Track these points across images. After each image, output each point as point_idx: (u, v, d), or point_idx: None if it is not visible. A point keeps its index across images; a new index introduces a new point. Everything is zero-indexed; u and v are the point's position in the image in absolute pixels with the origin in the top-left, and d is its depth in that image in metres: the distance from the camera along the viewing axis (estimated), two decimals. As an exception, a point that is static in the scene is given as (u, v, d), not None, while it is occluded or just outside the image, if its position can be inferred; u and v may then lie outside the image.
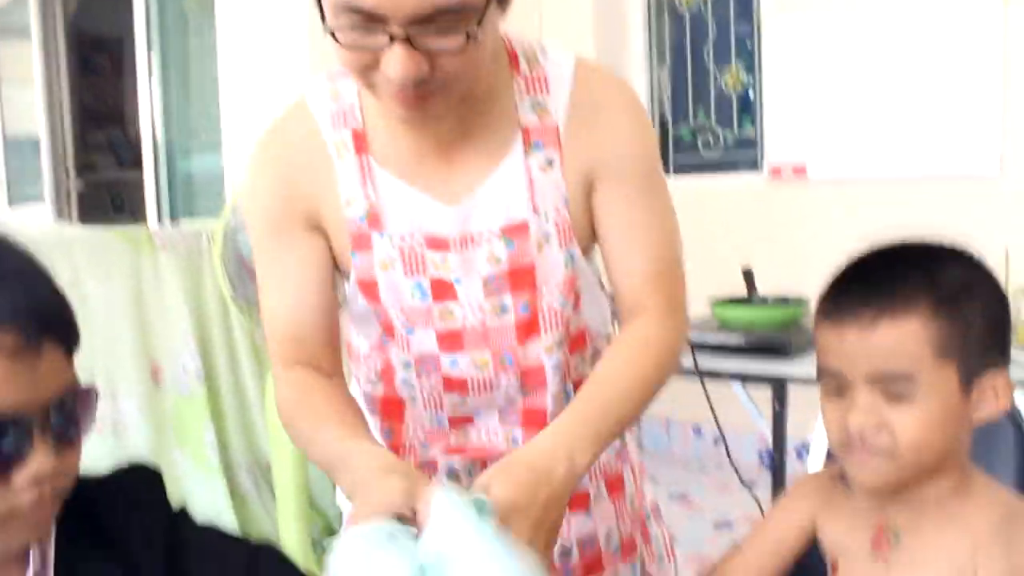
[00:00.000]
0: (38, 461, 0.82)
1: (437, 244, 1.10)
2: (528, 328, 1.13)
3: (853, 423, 0.92)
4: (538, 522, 0.90)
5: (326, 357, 1.16)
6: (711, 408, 2.33)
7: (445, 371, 1.15)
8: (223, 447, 2.82)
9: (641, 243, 1.14)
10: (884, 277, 0.94)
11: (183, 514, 1.01)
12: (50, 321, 0.84)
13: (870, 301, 0.92)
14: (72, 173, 5.81)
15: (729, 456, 2.33)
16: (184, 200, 4.93)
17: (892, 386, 0.91)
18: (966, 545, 0.94)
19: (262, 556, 1.01)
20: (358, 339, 1.24)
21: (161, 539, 0.98)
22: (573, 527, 1.23)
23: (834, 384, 0.96)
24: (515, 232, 1.10)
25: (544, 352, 1.15)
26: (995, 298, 0.95)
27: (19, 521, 0.84)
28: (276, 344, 1.17)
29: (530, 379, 1.16)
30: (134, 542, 0.96)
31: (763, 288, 2.72)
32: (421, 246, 1.10)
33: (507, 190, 1.11)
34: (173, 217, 4.95)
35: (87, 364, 0.94)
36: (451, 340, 1.14)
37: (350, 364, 1.27)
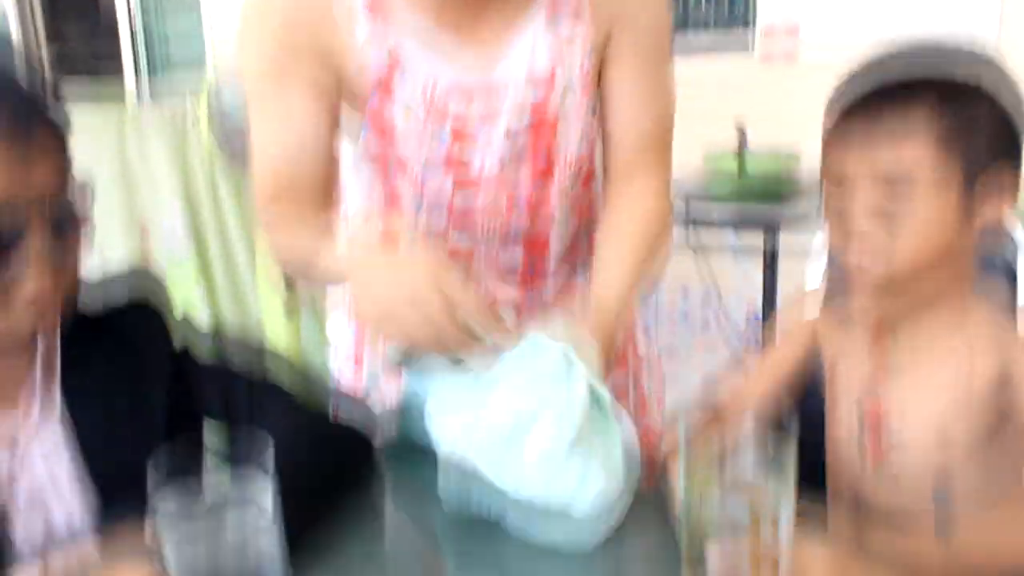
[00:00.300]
0: (35, 246, 0.83)
1: (461, 91, 1.10)
2: (544, 174, 1.15)
3: (856, 221, 0.93)
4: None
5: (318, 206, 1.14)
6: (702, 259, 2.35)
7: (456, 210, 1.16)
8: (213, 310, 2.83)
9: (646, 106, 1.17)
10: (893, 72, 0.93)
11: (187, 350, 1.02)
12: (39, 108, 0.83)
13: (878, 95, 0.91)
14: (43, 39, 5.63)
15: (721, 309, 2.35)
16: (160, 60, 4.80)
17: (895, 183, 0.91)
18: (963, 341, 0.96)
19: (263, 387, 1.03)
20: (354, 195, 1.23)
21: (168, 371, 0.99)
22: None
23: (837, 183, 0.96)
24: (541, 83, 1.11)
25: (557, 193, 1.17)
26: (1008, 96, 0.93)
27: (20, 307, 0.84)
28: (265, 188, 1.14)
29: (539, 215, 1.19)
30: (142, 375, 0.98)
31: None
32: (445, 92, 1.09)
33: (535, 40, 1.10)
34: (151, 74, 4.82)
35: None
36: (466, 184, 1.14)
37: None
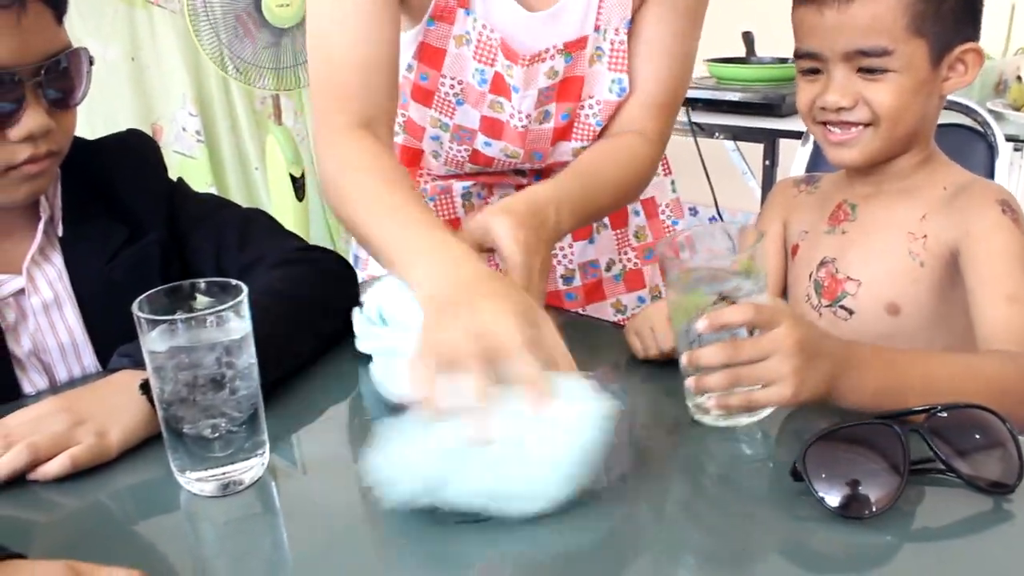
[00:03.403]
0: (31, 117, 0.87)
1: (508, 54, 1.11)
2: (563, 133, 1.19)
3: (830, 99, 0.97)
4: (545, 262, 0.93)
5: (387, 117, 1.06)
6: (704, 167, 2.37)
7: (478, 147, 1.21)
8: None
9: (663, 71, 1.16)
10: None
11: (180, 182, 1.07)
12: None
13: None
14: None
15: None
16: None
17: (867, 62, 0.95)
18: (917, 212, 1.01)
19: (252, 218, 1.08)
20: None
21: (162, 202, 1.04)
22: (576, 254, 1.34)
23: (810, 66, 1.00)
24: (575, 46, 1.13)
25: (572, 153, 1.21)
26: None
27: (17, 175, 0.90)
28: (328, 102, 1.04)
29: (553, 170, 1.23)
30: (138, 203, 1.03)
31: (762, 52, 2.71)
32: (497, 44, 1.11)
33: (581, 5, 1.11)
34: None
35: (86, 127, 0.97)
36: (493, 127, 1.18)
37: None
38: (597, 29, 1.13)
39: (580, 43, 1.13)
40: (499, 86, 1.14)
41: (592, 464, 0.69)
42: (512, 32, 1.11)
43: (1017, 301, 0.90)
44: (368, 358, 0.92)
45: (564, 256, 1.35)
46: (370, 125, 1.02)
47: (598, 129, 1.19)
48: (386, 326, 0.91)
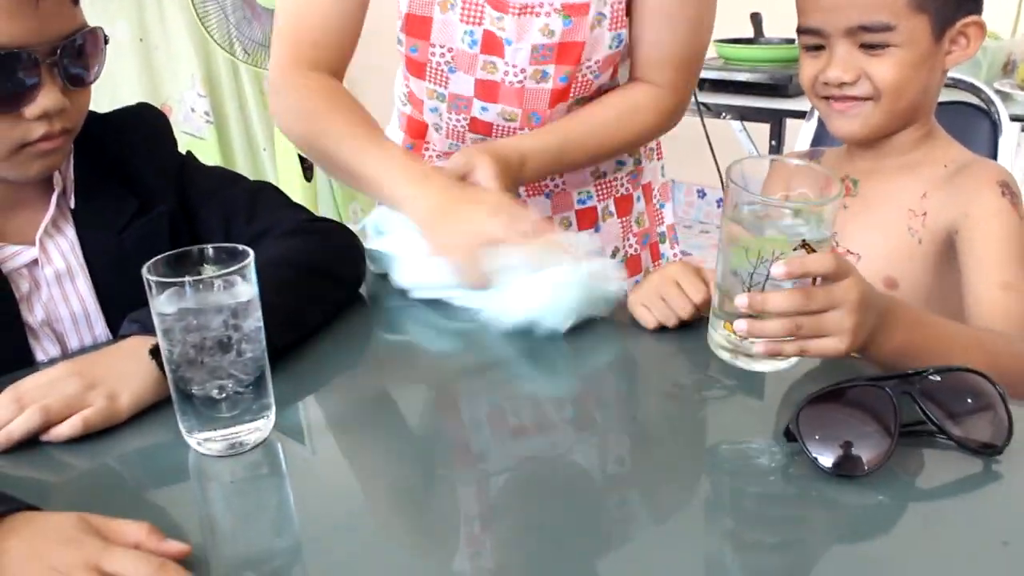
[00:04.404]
0: (47, 96, 0.88)
1: (498, 4, 1.12)
2: (561, 95, 1.19)
3: (832, 75, 0.98)
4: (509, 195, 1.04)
5: (341, 68, 1.18)
6: (711, 149, 2.37)
7: (475, 114, 1.21)
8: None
9: (679, 28, 1.16)
10: None
11: (190, 155, 1.09)
12: None
13: None
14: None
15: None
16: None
17: (869, 37, 0.95)
18: (918, 190, 1.01)
19: (260, 191, 1.10)
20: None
21: (173, 175, 1.06)
22: (581, 243, 1.33)
23: (813, 42, 1.00)
24: (576, 10, 1.12)
25: (567, 111, 1.21)
26: None
27: (32, 151, 0.91)
28: (291, 45, 1.16)
29: None
30: (148, 175, 1.04)
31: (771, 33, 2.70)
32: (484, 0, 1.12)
33: None
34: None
35: (93, 107, 0.99)
36: (488, 90, 1.19)
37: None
38: None
39: (582, 8, 1.12)
40: (490, 44, 1.14)
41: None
42: None
43: (1011, 289, 0.92)
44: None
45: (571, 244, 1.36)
46: (330, 68, 1.15)
47: (595, 82, 1.19)
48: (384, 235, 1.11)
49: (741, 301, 0.75)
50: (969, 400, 0.72)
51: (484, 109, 1.20)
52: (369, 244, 1.12)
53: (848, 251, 1.05)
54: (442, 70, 1.18)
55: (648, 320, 0.96)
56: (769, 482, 0.70)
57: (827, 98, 1.01)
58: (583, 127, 1.17)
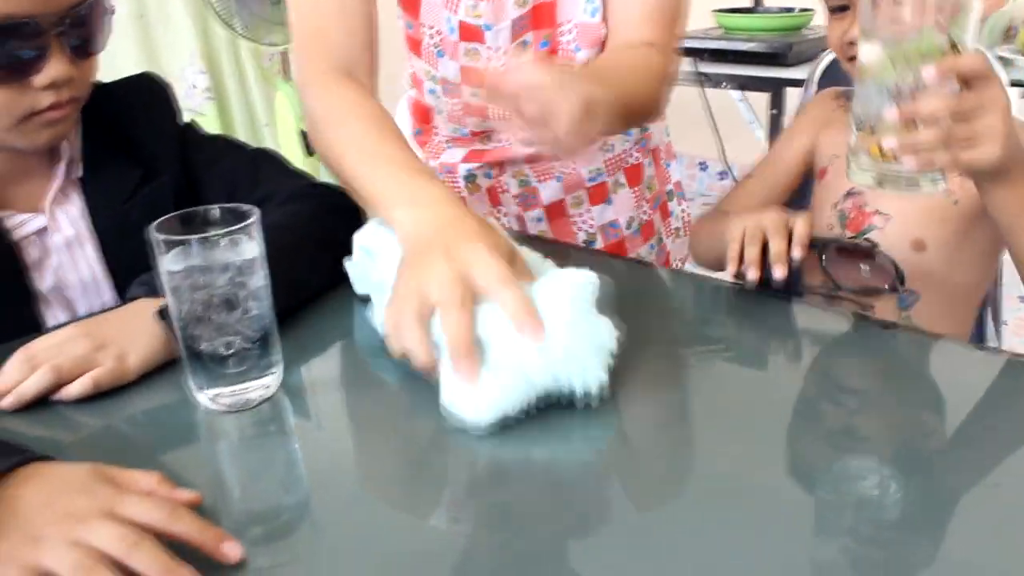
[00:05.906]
0: (54, 67, 0.89)
1: None
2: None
3: (856, 33, 0.98)
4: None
5: (367, 64, 1.08)
6: (712, 119, 2.37)
7: (466, 99, 1.22)
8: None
9: None
10: None
11: (191, 124, 1.10)
12: None
13: None
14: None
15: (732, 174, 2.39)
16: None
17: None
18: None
19: (261, 158, 1.11)
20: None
21: (175, 143, 1.07)
22: (596, 217, 1.35)
23: (839, 3, 1.02)
24: None
25: None
26: None
27: (40, 121, 0.93)
28: (313, 50, 1.08)
29: None
30: (151, 144, 1.05)
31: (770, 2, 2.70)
32: None
33: None
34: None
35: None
36: (473, 76, 1.18)
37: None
38: None
39: None
40: (469, 32, 1.14)
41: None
42: None
43: None
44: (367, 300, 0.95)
45: (584, 222, 1.36)
46: (351, 71, 1.05)
47: (577, 56, 1.16)
48: (372, 261, 0.93)
49: (891, 113, 0.73)
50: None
51: (474, 94, 1.20)
52: (350, 264, 0.98)
53: (878, 211, 1.05)
54: (432, 52, 1.18)
55: (734, 255, 0.90)
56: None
57: (854, 58, 1.02)
58: (613, 70, 1.06)
